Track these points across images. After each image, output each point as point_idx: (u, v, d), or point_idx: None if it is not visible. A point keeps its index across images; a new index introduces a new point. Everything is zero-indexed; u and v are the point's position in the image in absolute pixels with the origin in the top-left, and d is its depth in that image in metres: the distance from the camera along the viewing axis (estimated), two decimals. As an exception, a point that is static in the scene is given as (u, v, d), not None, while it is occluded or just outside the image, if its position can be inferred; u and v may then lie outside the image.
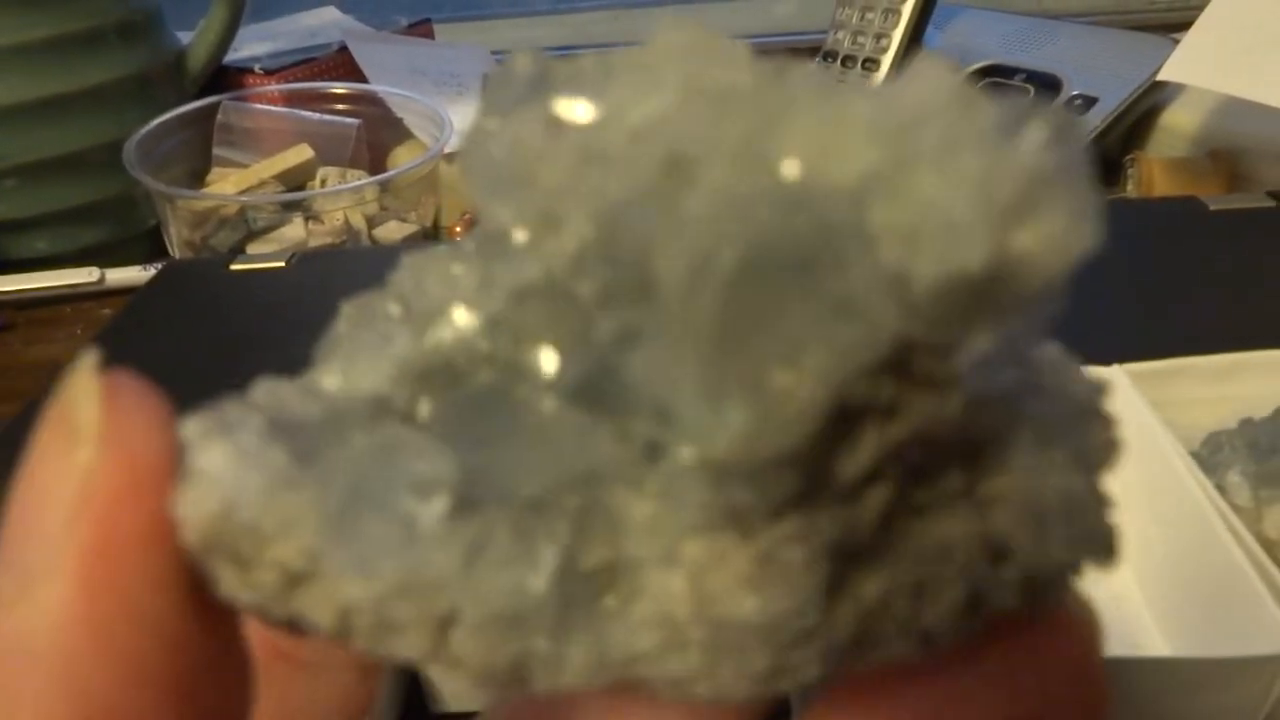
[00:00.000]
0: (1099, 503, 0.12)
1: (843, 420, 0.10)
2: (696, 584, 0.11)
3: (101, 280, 0.68)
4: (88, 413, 0.11)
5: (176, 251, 0.70)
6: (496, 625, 0.11)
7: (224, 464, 0.11)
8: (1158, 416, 0.36)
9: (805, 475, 0.11)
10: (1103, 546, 0.12)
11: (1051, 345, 0.13)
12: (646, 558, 0.11)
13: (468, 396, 0.12)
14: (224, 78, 0.83)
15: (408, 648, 0.11)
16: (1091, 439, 0.12)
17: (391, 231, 0.69)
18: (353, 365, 0.12)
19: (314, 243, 0.67)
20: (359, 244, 0.67)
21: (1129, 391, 0.38)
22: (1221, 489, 0.35)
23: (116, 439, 0.11)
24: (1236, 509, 0.34)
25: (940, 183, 0.09)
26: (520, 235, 0.11)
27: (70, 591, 0.10)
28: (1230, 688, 0.30)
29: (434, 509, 0.11)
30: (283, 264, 0.60)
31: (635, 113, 0.10)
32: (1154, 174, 0.68)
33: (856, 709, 0.12)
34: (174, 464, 0.11)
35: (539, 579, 0.11)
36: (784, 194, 0.10)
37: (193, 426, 0.11)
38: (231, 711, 0.12)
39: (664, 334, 0.10)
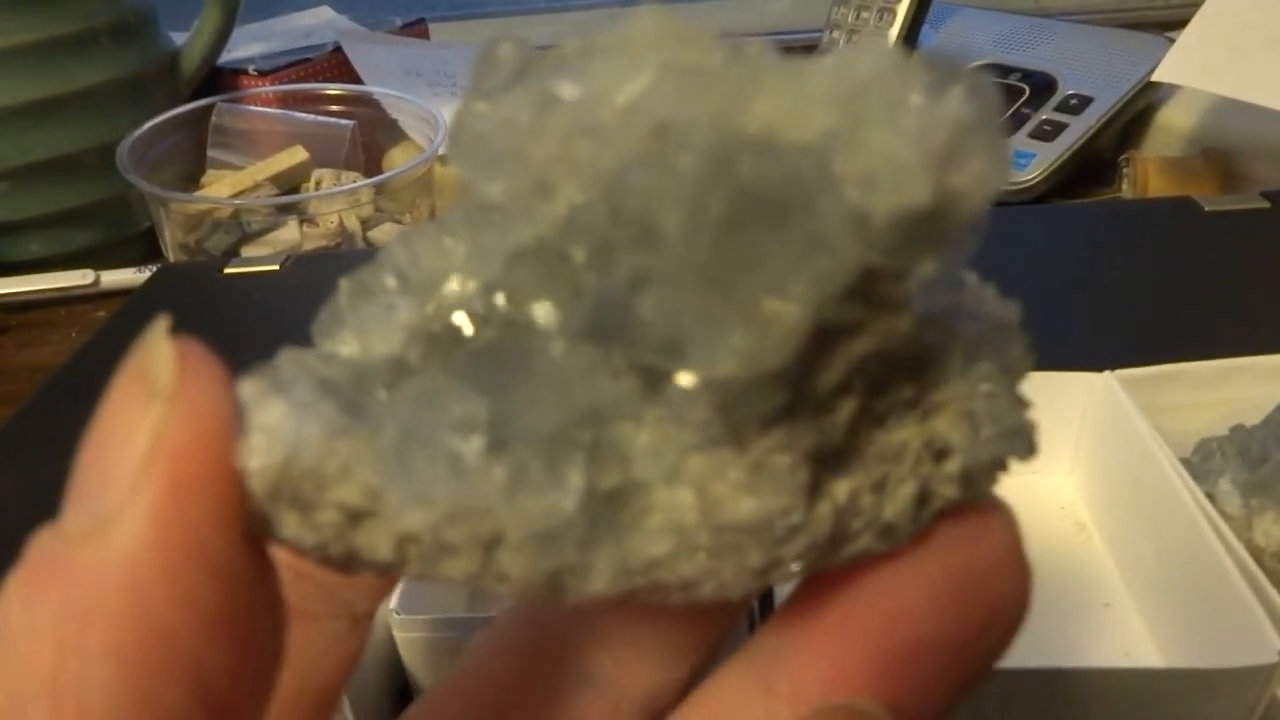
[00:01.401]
0: (1020, 405, 0.14)
1: (817, 340, 0.12)
2: (701, 493, 0.13)
3: (96, 283, 0.68)
4: (163, 371, 0.12)
5: (171, 254, 0.70)
6: (535, 543, 0.13)
7: (284, 417, 0.12)
8: (1148, 423, 0.36)
9: (789, 389, 0.12)
10: (1025, 442, 0.14)
11: (970, 274, 0.15)
12: (652, 478, 0.13)
13: (478, 350, 0.13)
14: (218, 79, 0.83)
15: (459, 569, 0.13)
16: (1010, 352, 0.14)
17: (387, 234, 0.69)
18: (364, 333, 0.14)
19: (309, 245, 0.67)
20: (354, 246, 0.67)
21: (1120, 397, 0.38)
22: (1212, 497, 0.35)
23: (187, 395, 0.12)
24: (1227, 517, 0.34)
25: (889, 136, 0.11)
26: (510, 205, 0.13)
27: (143, 527, 0.11)
28: (1220, 697, 0.30)
29: (474, 445, 0.12)
30: (277, 267, 0.60)
31: (622, 90, 0.12)
32: (1149, 174, 0.68)
33: (828, 594, 0.14)
34: (235, 421, 0.12)
35: (569, 500, 0.13)
36: (759, 151, 0.12)
37: (249, 386, 0.12)
38: (271, 651, 0.13)
39: (668, 276, 0.12)
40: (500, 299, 0.13)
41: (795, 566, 0.13)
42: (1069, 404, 0.40)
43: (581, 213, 0.12)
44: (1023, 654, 0.34)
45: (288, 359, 0.13)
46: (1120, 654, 0.35)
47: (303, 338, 0.14)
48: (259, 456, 0.12)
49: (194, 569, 0.12)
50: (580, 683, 0.17)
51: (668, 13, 0.12)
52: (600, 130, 0.12)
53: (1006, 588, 0.14)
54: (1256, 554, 0.33)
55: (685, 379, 0.12)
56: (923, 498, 0.14)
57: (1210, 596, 0.31)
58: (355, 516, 0.13)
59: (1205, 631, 0.32)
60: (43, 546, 0.12)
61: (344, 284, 0.14)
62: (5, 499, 0.43)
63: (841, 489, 0.13)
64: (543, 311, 0.13)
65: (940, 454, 0.14)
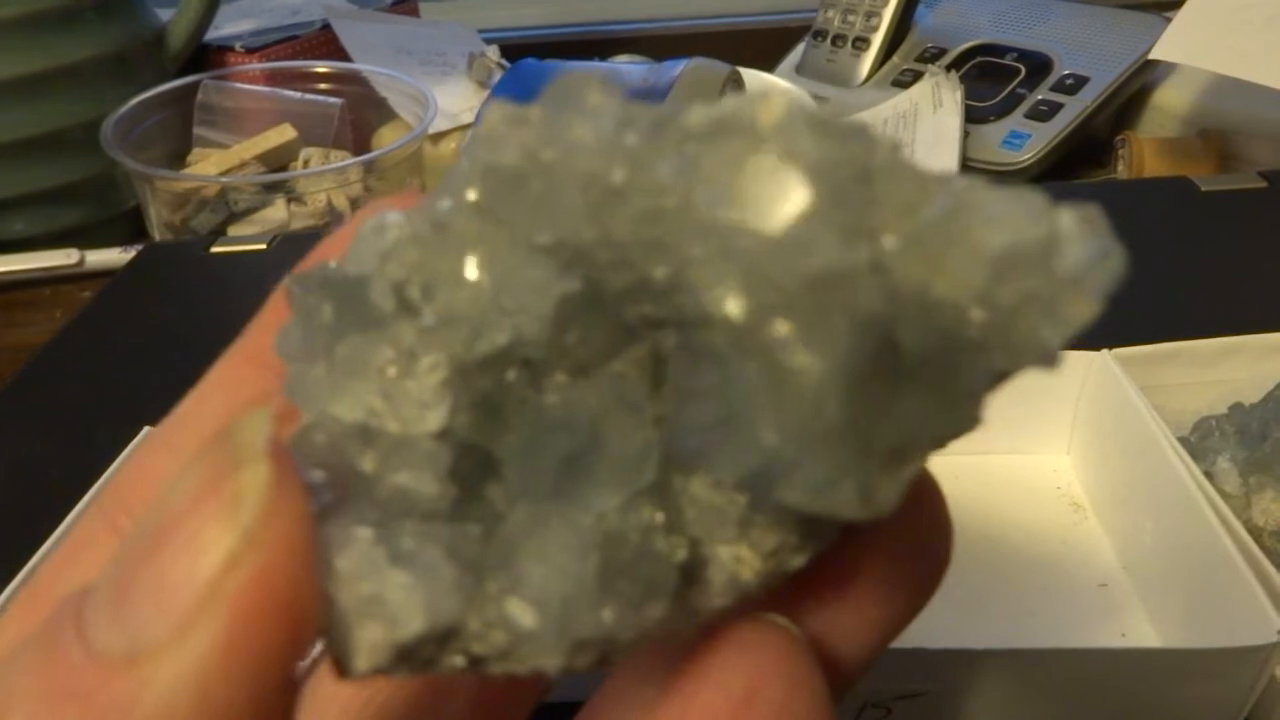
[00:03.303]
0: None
1: None
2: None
3: (81, 262, 0.67)
4: (253, 494, 0.10)
5: (157, 233, 0.69)
6: (637, 645, 0.12)
7: (409, 590, 0.12)
8: (1146, 401, 0.36)
9: None
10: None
11: None
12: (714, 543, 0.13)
13: (514, 440, 0.13)
14: (204, 56, 0.82)
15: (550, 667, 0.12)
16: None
17: (375, 213, 0.68)
18: (393, 397, 0.12)
19: (296, 224, 0.66)
20: (341, 226, 0.66)
21: (1117, 376, 0.38)
22: (1210, 476, 0.34)
23: (276, 530, 0.10)
24: (1225, 496, 0.34)
25: (1033, 300, 0.11)
26: (568, 256, 0.12)
27: (192, 673, 0.10)
28: (1218, 677, 0.29)
29: (590, 566, 0.12)
30: (264, 246, 0.60)
31: (774, 210, 0.11)
32: (1145, 154, 0.67)
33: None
34: (314, 555, 0.11)
35: (658, 608, 0.12)
36: (909, 306, 0.11)
37: (356, 553, 0.12)
38: None
39: (784, 417, 0.11)
40: (541, 354, 0.12)
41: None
42: (1066, 383, 0.40)
43: (699, 330, 0.12)
44: (1019, 635, 0.34)
45: (313, 446, 0.12)
46: (1117, 634, 0.34)
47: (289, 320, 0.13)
48: (381, 630, 0.11)
49: (246, 701, 0.10)
50: None
51: (801, 96, 0.12)
52: (747, 257, 0.11)
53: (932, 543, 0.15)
54: (1255, 533, 0.33)
55: (785, 497, 0.12)
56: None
57: (1209, 576, 0.31)
58: (481, 660, 0.12)
59: (1203, 611, 0.32)
60: (68, 658, 0.10)
61: (326, 304, 0.13)
62: (-13, 478, 0.43)
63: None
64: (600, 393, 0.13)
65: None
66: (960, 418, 0.12)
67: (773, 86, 0.75)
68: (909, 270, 0.11)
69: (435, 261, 0.12)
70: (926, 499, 0.15)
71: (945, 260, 0.11)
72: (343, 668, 0.12)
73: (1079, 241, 0.11)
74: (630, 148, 0.12)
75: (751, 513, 0.13)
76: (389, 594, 0.11)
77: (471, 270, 0.12)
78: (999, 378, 0.12)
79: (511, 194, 0.12)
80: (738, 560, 0.13)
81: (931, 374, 0.11)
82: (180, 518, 0.10)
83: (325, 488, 0.12)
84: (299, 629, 0.11)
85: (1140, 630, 0.34)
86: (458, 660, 0.12)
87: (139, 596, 0.10)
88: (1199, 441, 0.37)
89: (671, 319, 0.12)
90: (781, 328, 0.11)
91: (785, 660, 0.13)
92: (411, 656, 0.12)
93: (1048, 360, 0.11)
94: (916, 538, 0.15)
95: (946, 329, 0.11)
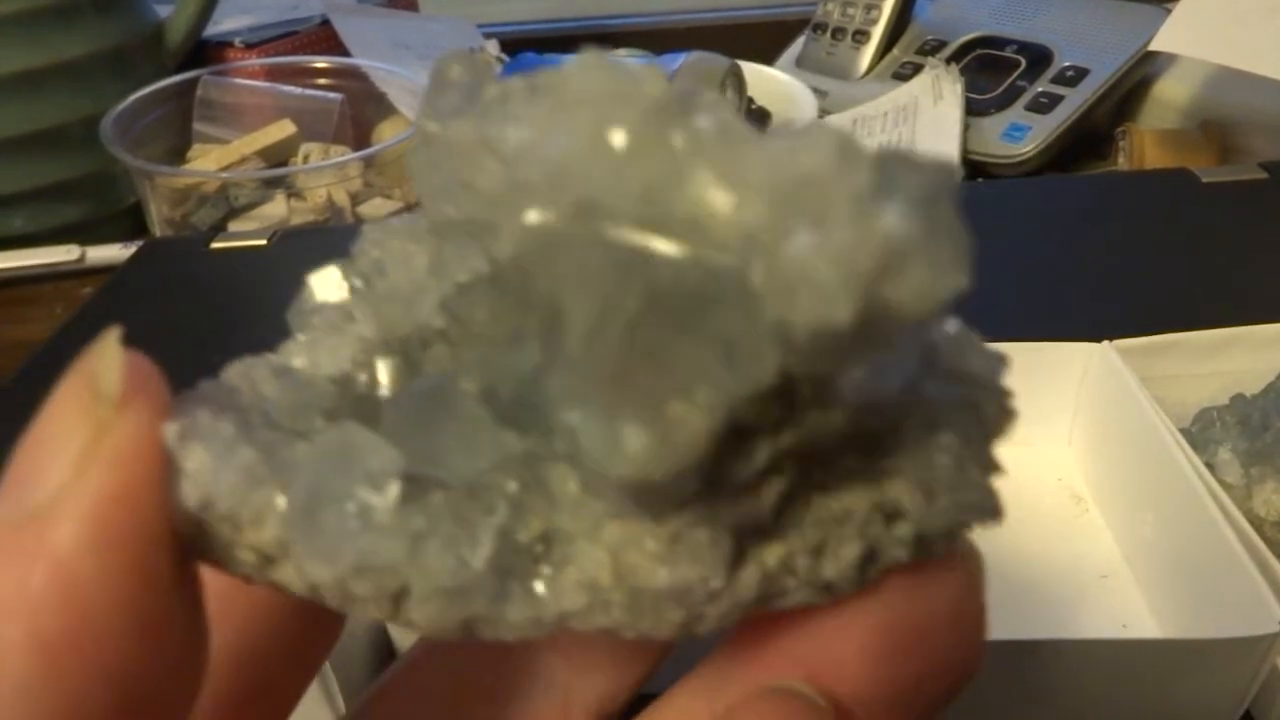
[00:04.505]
0: (985, 471, 0.14)
1: (734, 436, 0.12)
2: (615, 559, 0.13)
3: (81, 258, 0.67)
4: (111, 378, 0.12)
5: (157, 229, 0.69)
6: (442, 597, 0.12)
7: (203, 464, 0.12)
8: (1147, 393, 0.36)
9: (702, 479, 0.12)
10: (987, 509, 0.14)
11: (951, 321, 0.14)
12: (576, 530, 0.13)
13: (417, 388, 0.13)
14: (204, 52, 0.81)
15: (367, 613, 0.13)
16: (985, 411, 0.14)
17: (376, 208, 0.68)
18: (318, 345, 0.14)
19: (296, 220, 0.66)
20: (342, 221, 0.66)
21: (1118, 367, 0.38)
22: (1211, 467, 0.34)
23: (134, 406, 0.12)
24: (1227, 487, 0.34)
25: (812, 249, 0.10)
26: (467, 227, 0.13)
27: (82, 526, 0.11)
28: (1220, 668, 0.29)
29: (388, 498, 0.12)
30: (264, 242, 0.60)
31: (552, 150, 0.11)
32: (1145, 146, 0.67)
33: (773, 629, 0.14)
34: (169, 449, 0.12)
35: (478, 558, 0.12)
36: (680, 248, 0.11)
37: (173, 430, 0.12)
38: (195, 662, 0.13)
39: (569, 366, 0.12)
40: (450, 328, 0.13)
41: (721, 622, 0.13)
42: (1066, 374, 0.40)
43: (506, 274, 0.12)
44: (1020, 626, 0.34)
45: (233, 371, 0.14)
46: (1118, 626, 0.34)
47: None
48: (180, 499, 0.12)
49: (129, 572, 0.11)
50: (530, 684, 0.17)
51: (614, 63, 0.12)
52: (529, 189, 0.12)
53: (948, 643, 0.14)
54: (1257, 523, 0.33)
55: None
56: (870, 557, 0.13)
57: (1210, 567, 0.31)
58: (269, 559, 0.13)
59: (1205, 602, 0.32)
60: None
61: (312, 281, 0.14)
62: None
63: (773, 555, 0.13)
64: (474, 362, 0.13)
65: (891, 516, 0.13)
66: (747, 371, 0.11)
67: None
68: (683, 210, 0.11)
69: (393, 244, 0.14)
70: (933, 580, 0.14)
71: (719, 202, 0.11)
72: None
73: (879, 183, 0.11)
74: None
75: (606, 509, 0.13)
76: (187, 463, 0.12)
77: (417, 254, 0.14)
78: (785, 330, 0.11)
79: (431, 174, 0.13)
80: (597, 564, 0.13)
81: (712, 324, 0.11)
82: (53, 408, 0.12)
83: (209, 399, 0.13)
84: (157, 482, 0.12)
85: (1141, 621, 0.34)
86: (248, 556, 0.13)
87: (28, 472, 0.12)
88: (1200, 432, 0.37)
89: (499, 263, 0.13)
90: (555, 268, 0.11)
91: None
92: (208, 534, 0.12)
93: (833, 309, 0.10)
94: (902, 625, 0.14)
95: (716, 271, 0.11)
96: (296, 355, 0.14)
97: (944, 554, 0.14)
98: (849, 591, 0.13)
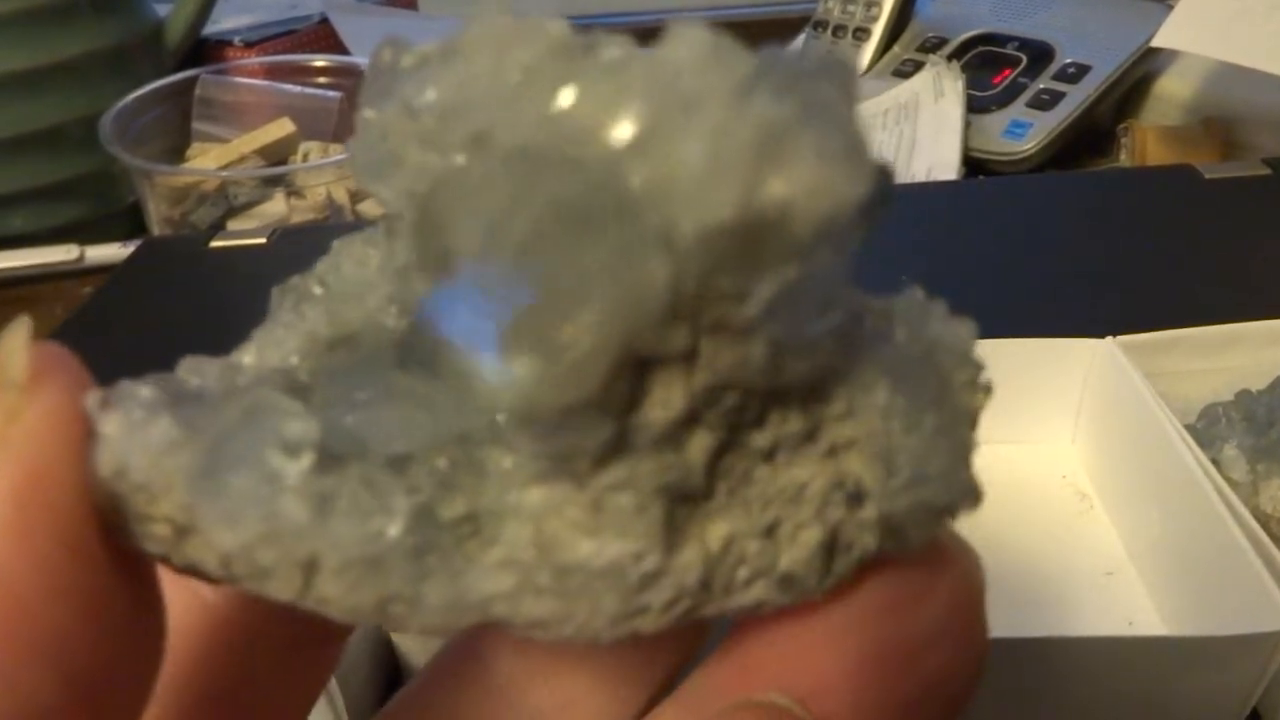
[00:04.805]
0: (958, 446, 0.13)
1: (645, 371, 0.11)
2: (537, 529, 0.12)
3: (81, 258, 0.67)
4: (16, 363, 0.12)
5: (156, 228, 0.69)
6: (355, 569, 0.12)
7: (118, 431, 0.12)
8: (1152, 389, 0.36)
9: (617, 423, 0.11)
10: (959, 489, 0.13)
11: (912, 289, 0.13)
12: (503, 508, 0.12)
13: (349, 364, 0.13)
14: (203, 51, 0.81)
15: (280, 590, 0.12)
16: (953, 380, 0.13)
17: (375, 207, 0.68)
18: (266, 342, 0.14)
19: (296, 218, 0.66)
20: (342, 219, 0.66)
21: (1122, 364, 0.37)
22: (1217, 463, 0.34)
23: (44, 387, 0.12)
24: (1233, 483, 0.33)
25: (687, 142, 0.10)
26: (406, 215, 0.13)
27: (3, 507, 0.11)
28: (1226, 665, 0.29)
29: (300, 465, 0.12)
30: (263, 240, 0.59)
31: (453, 93, 0.11)
32: (1148, 142, 0.67)
33: (753, 644, 0.13)
34: (87, 424, 0.12)
35: (393, 527, 0.12)
36: (562, 162, 0.11)
37: (93, 399, 0.12)
38: (146, 646, 0.13)
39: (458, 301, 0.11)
40: (397, 317, 0.13)
41: (668, 615, 0.12)
42: (1070, 371, 0.40)
43: (413, 229, 0.12)
44: (1024, 624, 0.33)
45: (183, 365, 0.13)
46: (1124, 623, 0.34)
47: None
48: (95, 467, 0.12)
49: (57, 551, 0.11)
50: (524, 718, 0.16)
51: (507, 11, 0.12)
52: (428, 139, 0.12)
53: (945, 661, 0.13)
54: (1263, 520, 0.33)
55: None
56: (833, 546, 0.12)
57: (1216, 563, 0.31)
58: (181, 531, 0.12)
59: (1211, 599, 0.32)
60: None
61: (275, 291, 0.14)
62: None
63: (715, 534, 0.12)
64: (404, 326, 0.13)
65: (854, 498, 0.12)
66: (634, 285, 0.10)
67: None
68: (570, 130, 0.11)
69: (351, 249, 0.15)
70: (924, 585, 0.13)
71: (601, 116, 0.10)
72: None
73: (757, 74, 0.10)
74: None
75: (529, 475, 0.12)
76: (105, 428, 0.12)
77: (372, 256, 0.14)
78: (669, 234, 0.10)
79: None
80: (520, 537, 0.12)
81: (598, 240, 0.10)
82: None
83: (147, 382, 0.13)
84: (76, 463, 0.12)
85: (1147, 619, 0.34)
86: (162, 530, 0.12)
87: None
88: (1205, 429, 0.36)
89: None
90: (444, 203, 0.11)
91: None
92: (124, 507, 0.12)
93: (712, 203, 0.10)
94: (893, 640, 0.12)
95: (598, 180, 0.10)
96: (247, 354, 0.14)
97: (921, 546, 0.13)
98: (817, 590, 0.12)
